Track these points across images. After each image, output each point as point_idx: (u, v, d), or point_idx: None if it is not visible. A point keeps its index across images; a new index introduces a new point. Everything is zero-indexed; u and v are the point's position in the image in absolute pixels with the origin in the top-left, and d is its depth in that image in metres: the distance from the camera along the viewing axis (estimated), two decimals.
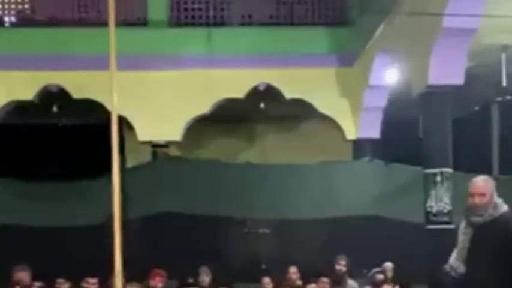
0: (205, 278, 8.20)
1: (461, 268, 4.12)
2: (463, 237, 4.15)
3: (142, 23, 11.18)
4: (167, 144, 11.20)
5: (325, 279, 7.51)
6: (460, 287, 4.14)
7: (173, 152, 11.52)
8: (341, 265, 8.16)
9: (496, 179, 5.83)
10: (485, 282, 3.97)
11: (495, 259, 3.94)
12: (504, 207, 4.13)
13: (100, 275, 7.31)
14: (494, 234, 3.99)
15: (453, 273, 4.14)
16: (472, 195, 4.14)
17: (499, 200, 4.15)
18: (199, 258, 8.85)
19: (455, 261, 4.15)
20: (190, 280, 8.18)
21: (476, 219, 4.08)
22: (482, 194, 4.10)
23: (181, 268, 8.50)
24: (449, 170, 7.47)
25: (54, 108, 11.45)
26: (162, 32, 11.04)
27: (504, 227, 3.99)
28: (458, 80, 7.51)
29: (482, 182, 4.20)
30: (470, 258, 4.07)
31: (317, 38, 11.23)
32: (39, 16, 11.19)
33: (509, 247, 3.91)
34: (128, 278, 6.34)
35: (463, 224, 4.27)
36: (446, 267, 4.20)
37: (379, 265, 8.37)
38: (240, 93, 11.05)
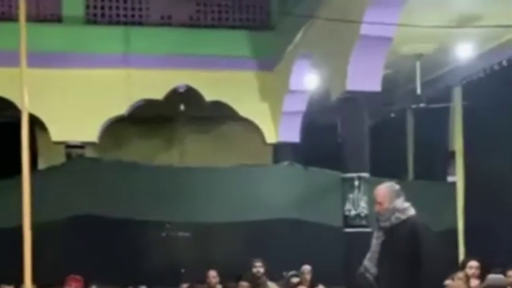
0: None
1: (374, 269, 4.31)
2: (375, 241, 4.33)
3: (56, 19, 10.82)
4: (82, 145, 10.88)
5: (244, 284, 7.49)
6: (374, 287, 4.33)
7: (89, 153, 11.20)
8: (258, 267, 8.17)
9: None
10: (393, 282, 4.15)
11: (402, 260, 4.12)
12: (411, 211, 4.29)
13: (14, 281, 7.00)
14: (400, 236, 4.16)
15: (367, 274, 4.33)
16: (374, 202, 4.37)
17: (406, 204, 4.30)
18: (116, 262, 8.64)
19: (368, 263, 4.33)
20: (93, 286, 7.93)
21: (384, 224, 4.25)
22: (379, 202, 4.29)
23: (97, 273, 8.24)
24: (367, 174, 7.63)
25: None
26: (78, 29, 10.74)
27: (409, 230, 4.16)
28: (375, 86, 7.69)
29: (379, 190, 4.37)
30: (380, 260, 4.25)
31: (238, 40, 11.24)
32: None
33: (413, 248, 4.09)
34: (41, 284, 6.10)
35: (376, 229, 4.46)
36: (361, 268, 4.38)
37: (298, 268, 8.44)
38: (159, 94, 10.89)
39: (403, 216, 4.22)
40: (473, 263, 6.80)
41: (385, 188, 4.34)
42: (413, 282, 4.06)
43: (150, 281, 8.39)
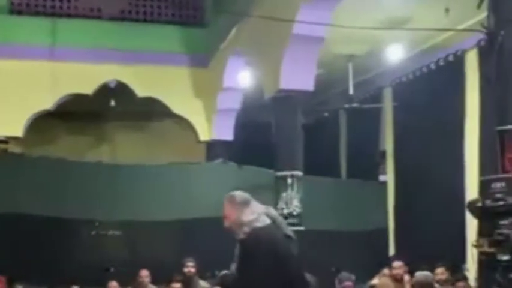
0: None
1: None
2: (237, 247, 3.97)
3: None
4: (6, 140, 10.50)
5: (176, 285, 7.38)
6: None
7: (13, 148, 10.80)
8: (189, 267, 8.08)
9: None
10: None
11: (241, 273, 3.85)
12: (258, 222, 3.83)
13: None
14: (243, 250, 3.85)
15: (229, 277, 4.31)
16: None
17: (252, 216, 3.84)
18: (43, 262, 8.36)
19: (232, 265, 4.07)
20: (20, 286, 7.66)
21: (238, 236, 3.87)
22: (225, 217, 3.93)
23: (23, 273, 7.94)
24: (300, 173, 7.66)
25: None
26: (1, 19, 10.35)
27: (248, 242, 3.82)
28: (308, 85, 7.74)
29: (224, 204, 3.95)
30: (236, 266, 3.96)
31: (170, 36, 11.10)
32: None
33: (247, 263, 3.78)
34: None
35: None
36: (227, 271, 4.20)
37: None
38: (87, 89, 10.63)
39: (247, 229, 3.80)
40: (397, 263, 6.89)
41: (228, 201, 3.92)
42: None
43: (78, 281, 8.15)
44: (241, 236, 3.81)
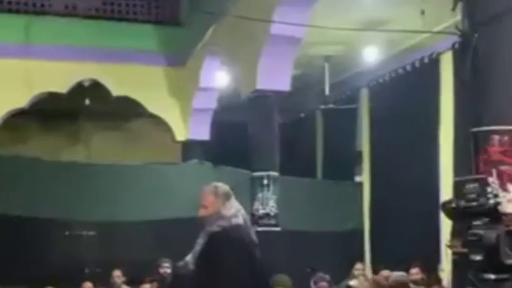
0: None
1: (191, 265, 3.80)
2: (199, 240, 3.82)
3: None
4: None
5: (147, 286, 7.33)
6: (187, 281, 3.81)
7: None
8: (165, 267, 8.05)
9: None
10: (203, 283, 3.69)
11: (206, 268, 3.66)
12: (237, 219, 3.72)
13: None
14: (215, 244, 3.69)
15: (182, 269, 3.85)
16: None
17: (232, 211, 3.73)
18: (16, 262, 8.26)
19: (189, 258, 3.85)
20: None
21: (210, 228, 3.73)
22: (204, 206, 3.76)
23: None
24: (276, 173, 7.67)
25: None
26: None
27: (220, 237, 3.69)
28: (285, 86, 7.75)
29: (204, 193, 3.78)
30: (197, 260, 3.77)
31: (146, 35, 11.04)
32: None
33: (208, 252, 3.67)
34: None
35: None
36: (181, 262, 3.91)
37: None
38: (62, 87, 10.51)
39: (225, 223, 3.69)
40: (359, 266, 6.99)
41: (211, 192, 3.76)
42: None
43: (53, 281, 8.05)
44: (214, 228, 3.66)
